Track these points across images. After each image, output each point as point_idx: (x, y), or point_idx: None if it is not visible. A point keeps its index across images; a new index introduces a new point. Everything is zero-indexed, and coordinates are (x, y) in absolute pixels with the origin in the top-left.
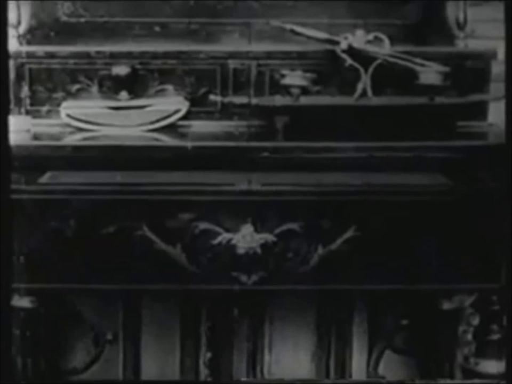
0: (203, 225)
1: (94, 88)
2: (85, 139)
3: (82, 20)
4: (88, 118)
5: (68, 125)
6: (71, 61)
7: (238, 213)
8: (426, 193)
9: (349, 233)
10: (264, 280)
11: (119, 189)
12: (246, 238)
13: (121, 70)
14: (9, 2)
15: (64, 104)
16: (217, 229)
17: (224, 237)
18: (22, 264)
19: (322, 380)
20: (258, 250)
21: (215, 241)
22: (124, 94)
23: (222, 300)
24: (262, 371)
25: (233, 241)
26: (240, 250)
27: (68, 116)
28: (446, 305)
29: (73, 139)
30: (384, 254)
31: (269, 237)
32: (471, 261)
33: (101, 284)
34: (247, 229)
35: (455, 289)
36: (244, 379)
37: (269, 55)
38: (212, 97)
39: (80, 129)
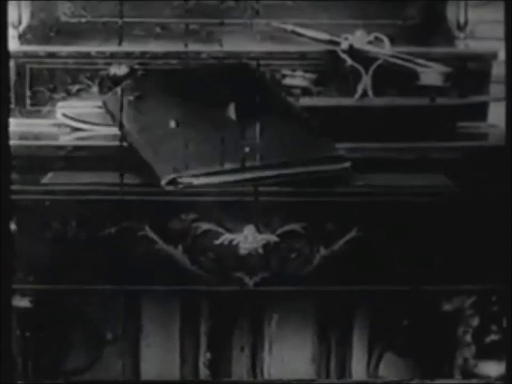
0: (205, 226)
1: (95, 88)
2: (83, 138)
3: (83, 19)
4: (83, 117)
5: (64, 125)
6: (72, 61)
7: (240, 213)
8: (428, 194)
9: (351, 234)
10: (267, 280)
11: (120, 190)
12: (248, 239)
13: (119, 70)
14: (10, 2)
15: (59, 103)
16: (220, 229)
17: (226, 237)
18: (23, 265)
19: (322, 380)
20: (261, 251)
21: (217, 242)
22: None
23: (224, 300)
24: (262, 371)
25: (236, 242)
26: (243, 251)
27: (64, 115)
28: (446, 306)
29: (71, 138)
30: (387, 255)
31: (271, 238)
32: (473, 262)
33: (102, 284)
34: (250, 229)
35: (457, 290)
36: (243, 379)
37: (270, 55)
38: None
39: (76, 129)
